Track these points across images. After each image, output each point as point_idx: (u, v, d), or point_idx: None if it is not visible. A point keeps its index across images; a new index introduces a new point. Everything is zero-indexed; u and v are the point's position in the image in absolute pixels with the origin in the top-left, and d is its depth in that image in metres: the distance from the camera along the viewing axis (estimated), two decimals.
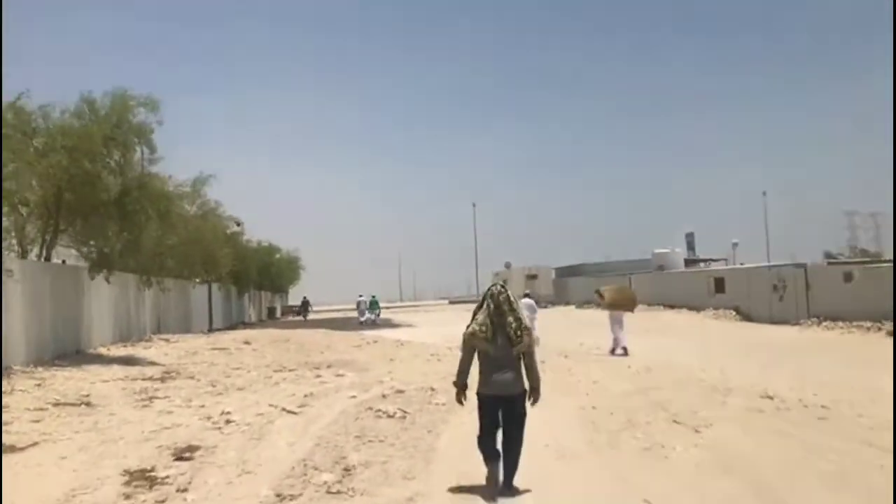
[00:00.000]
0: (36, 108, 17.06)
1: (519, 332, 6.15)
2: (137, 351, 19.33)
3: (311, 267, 64.66)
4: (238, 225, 47.93)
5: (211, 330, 33.45)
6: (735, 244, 56.00)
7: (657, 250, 50.51)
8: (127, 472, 7.11)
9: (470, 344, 6.28)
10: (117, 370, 15.82)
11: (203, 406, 11.35)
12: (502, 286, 6.53)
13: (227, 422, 9.83)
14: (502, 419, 6.22)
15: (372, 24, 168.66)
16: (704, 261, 53.04)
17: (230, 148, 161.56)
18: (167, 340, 22.64)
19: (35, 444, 8.37)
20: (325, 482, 6.66)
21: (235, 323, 43.86)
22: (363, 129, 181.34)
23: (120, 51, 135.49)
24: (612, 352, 19.80)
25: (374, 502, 6.16)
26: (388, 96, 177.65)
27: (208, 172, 27.64)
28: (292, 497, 6.24)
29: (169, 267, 25.98)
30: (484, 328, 6.20)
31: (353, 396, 12.20)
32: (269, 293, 62.05)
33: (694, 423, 9.32)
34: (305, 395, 12.40)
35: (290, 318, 59.63)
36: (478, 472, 6.47)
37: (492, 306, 6.27)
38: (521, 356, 6.21)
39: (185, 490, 6.46)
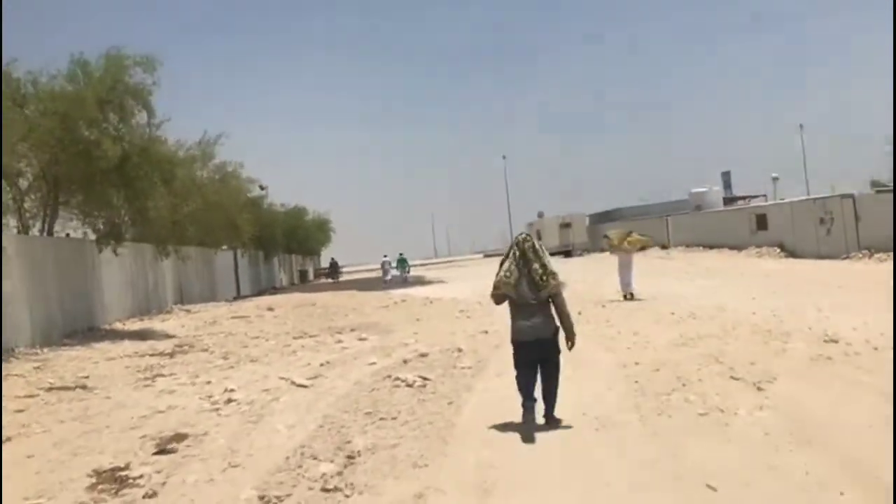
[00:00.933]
0: (24, 73, 16.05)
1: (545, 277, 6.37)
2: (154, 324, 18.54)
3: (343, 228, 64.06)
4: (262, 188, 47.38)
5: (238, 297, 32.77)
6: (775, 178, 53.71)
7: (694, 190, 48.50)
8: (97, 472, 6.14)
9: (498, 291, 6.55)
10: (127, 346, 15.01)
11: (209, 382, 10.42)
12: (527, 235, 6.80)
13: (229, 401, 8.86)
14: (538, 362, 6.47)
15: None
16: (743, 198, 50.92)
17: (253, 111, 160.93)
18: (188, 311, 21.88)
19: (8, 439, 7.44)
20: (323, 475, 5.61)
21: (265, 288, 43.26)
22: (389, 86, 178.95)
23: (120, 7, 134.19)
24: (626, 297, 18.54)
25: (375, 502, 5.09)
26: (414, 51, 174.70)
27: (217, 132, 26.56)
28: (279, 499, 5.20)
29: (189, 235, 25.13)
30: (508, 274, 6.44)
31: (373, 363, 11.20)
32: (299, 256, 61.39)
33: (754, 377, 8.08)
34: (322, 364, 11.46)
35: (323, 280, 59.01)
36: (500, 459, 5.53)
37: (517, 253, 6.51)
38: (551, 300, 6.43)
39: (153, 495, 5.45)
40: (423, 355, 11.66)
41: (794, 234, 34.05)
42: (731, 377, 8.24)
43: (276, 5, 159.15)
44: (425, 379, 9.42)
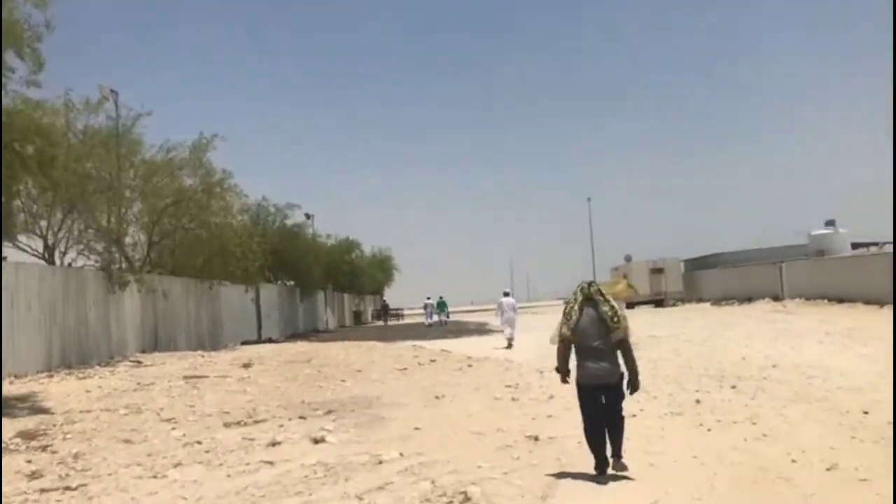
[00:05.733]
0: None
1: (616, 319, 6.46)
2: (50, 387, 12.63)
3: (419, 270, 58.59)
4: (308, 217, 42.04)
5: (258, 341, 26.87)
6: None
7: (815, 232, 40.45)
8: None
9: (562, 340, 6.59)
10: None
11: None
12: (592, 282, 6.83)
13: None
14: (606, 404, 6.44)
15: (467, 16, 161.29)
16: (875, 244, 42.56)
17: (335, 152, 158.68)
18: (139, 363, 16.02)
19: None
20: None
21: (305, 331, 37.49)
22: (468, 130, 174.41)
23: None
24: None
25: None
26: (491, 94, 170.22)
27: (211, 133, 21.03)
28: None
29: (170, 261, 19.51)
30: (569, 317, 6.53)
31: None
32: (354, 295, 55.61)
33: None
34: None
35: (381, 323, 53.12)
36: None
37: (580, 298, 6.59)
38: (618, 345, 6.46)
39: None
40: None
41: None
42: None
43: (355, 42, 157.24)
44: None
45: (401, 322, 53.00)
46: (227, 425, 9.81)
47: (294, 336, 33.68)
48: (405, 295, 63.21)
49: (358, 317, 54.87)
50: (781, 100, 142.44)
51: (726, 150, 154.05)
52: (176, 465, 7.52)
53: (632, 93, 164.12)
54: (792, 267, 38.54)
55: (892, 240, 44.03)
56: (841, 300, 32.79)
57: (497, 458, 7.28)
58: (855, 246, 41.10)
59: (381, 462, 7.23)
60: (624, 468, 6.36)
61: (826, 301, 33.61)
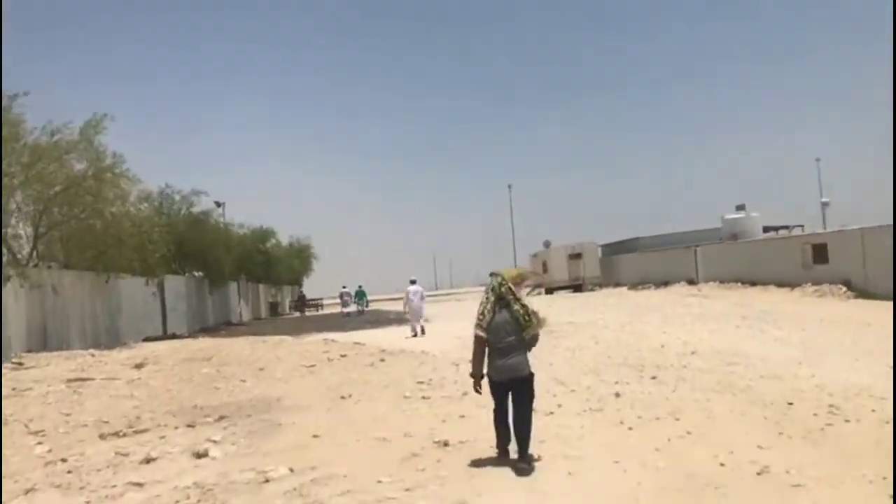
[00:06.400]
0: None
1: (527, 318, 6.54)
2: None
3: (341, 259, 57.36)
4: (218, 205, 40.35)
5: (162, 337, 25.31)
6: (825, 203, 45.95)
7: (728, 216, 40.97)
8: None
9: (478, 340, 6.59)
10: None
11: None
12: (502, 280, 6.75)
13: None
14: (512, 400, 6.54)
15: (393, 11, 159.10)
16: (785, 227, 43.47)
17: (251, 145, 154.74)
18: (20, 364, 14.52)
19: None
20: None
21: (216, 324, 35.88)
22: (390, 117, 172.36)
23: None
24: None
25: None
26: (413, 82, 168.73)
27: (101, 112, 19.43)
28: None
29: (60, 251, 17.96)
30: (482, 317, 6.58)
31: None
32: (270, 286, 53.90)
33: None
34: None
35: (298, 314, 51.59)
36: None
37: (492, 298, 6.64)
38: (530, 341, 6.60)
39: None
40: None
41: (865, 269, 26.78)
42: None
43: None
44: None
45: (319, 313, 51.68)
46: (102, 437, 8.72)
47: (204, 330, 32.10)
48: (327, 285, 61.93)
49: (274, 308, 53.16)
50: (699, 84, 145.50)
51: (646, 135, 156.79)
52: (28, 492, 6.47)
53: (550, 81, 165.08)
54: (706, 251, 39.01)
55: (796, 224, 45.34)
56: (754, 283, 33.33)
57: (401, 471, 6.50)
58: (766, 229, 41.92)
59: (266, 481, 6.35)
60: (526, 472, 6.28)
61: (739, 284, 34.12)
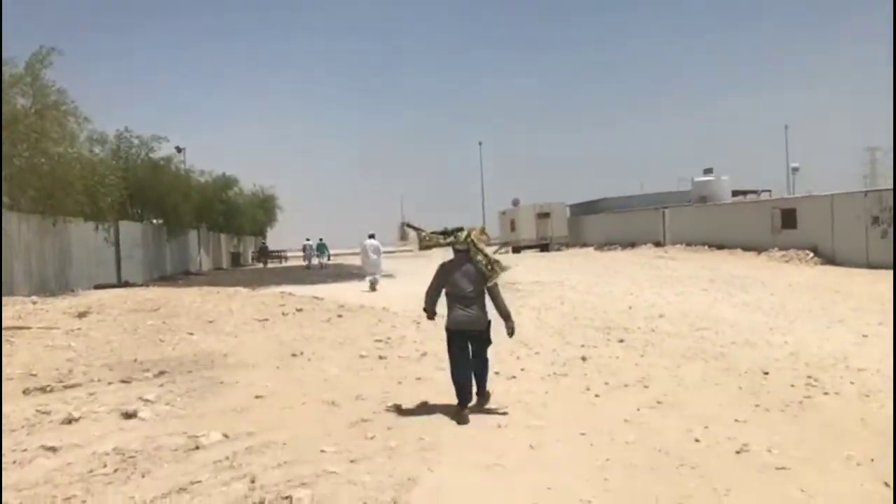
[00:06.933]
0: None
1: (489, 266, 6.58)
2: None
3: (307, 211, 56.11)
4: (179, 150, 39.07)
5: (116, 285, 24.36)
6: (795, 169, 45.82)
7: (697, 178, 40.59)
8: None
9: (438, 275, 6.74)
10: None
11: None
12: (460, 228, 6.83)
13: None
14: (471, 349, 6.59)
15: None
16: (753, 191, 43.31)
17: (214, 91, 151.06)
18: None
19: None
20: None
21: (174, 273, 34.86)
22: (362, 66, 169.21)
23: None
24: None
25: None
26: (386, 27, 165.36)
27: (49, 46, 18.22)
28: None
29: (16, 195, 16.90)
30: (443, 268, 6.74)
31: None
32: (232, 236, 52.71)
33: None
34: None
35: (260, 266, 50.55)
36: None
37: (456, 249, 6.73)
38: (488, 291, 6.59)
39: None
40: None
41: (833, 235, 26.63)
42: None
43: None
44: None
45: (282, 265, 50.74)
46: (26, 392, 7.99)
47: (162, 279, 31.15)
48: (292, 236, 60.91)
49: (236, 259, 52.03)
50: (671, 51, 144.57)
51: (617, 95, 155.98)
52: None
53: (524, 39, 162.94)
54: (674, 213, 38.74)
55: (765, 189, 45.24)
56: (721, 246, 33.17)
57: (347, 439, 5.91)
58: (735, 193, 41.75)
59: (196, 448, 5.71)
60: (486, 401, 6.75)
61: (707, 247, 33.96)
